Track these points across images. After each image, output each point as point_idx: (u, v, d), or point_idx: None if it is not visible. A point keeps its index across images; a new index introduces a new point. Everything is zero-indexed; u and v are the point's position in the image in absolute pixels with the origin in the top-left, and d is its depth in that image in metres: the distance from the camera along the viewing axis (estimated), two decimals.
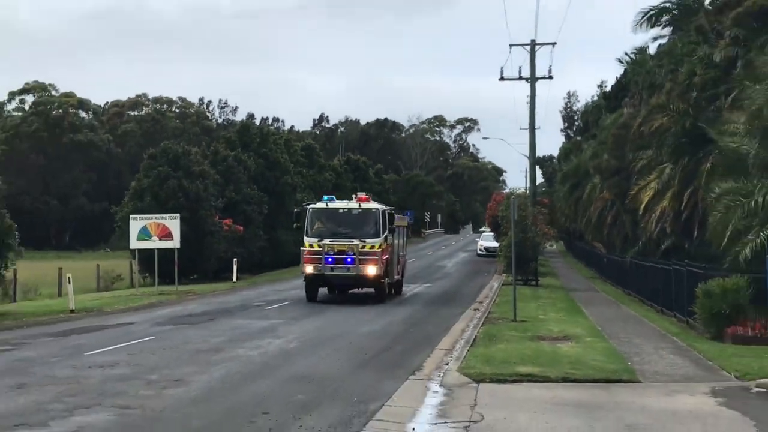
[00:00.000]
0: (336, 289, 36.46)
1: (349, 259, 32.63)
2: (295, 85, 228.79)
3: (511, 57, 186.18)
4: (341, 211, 34.33)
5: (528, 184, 64.23)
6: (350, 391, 14.88)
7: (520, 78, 54.42)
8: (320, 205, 34.64)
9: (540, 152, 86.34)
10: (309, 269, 33.07)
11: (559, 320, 26.10)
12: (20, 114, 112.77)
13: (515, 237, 30.18)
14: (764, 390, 14.43)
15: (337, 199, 37.33)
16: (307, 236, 33.40)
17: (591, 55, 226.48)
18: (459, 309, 31.11)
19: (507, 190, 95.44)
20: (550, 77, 54.40)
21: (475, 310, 30.67)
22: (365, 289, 34.89)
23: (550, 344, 20.27)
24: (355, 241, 32.73)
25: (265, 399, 14.08)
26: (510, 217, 31.70)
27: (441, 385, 15.31)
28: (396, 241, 36.54)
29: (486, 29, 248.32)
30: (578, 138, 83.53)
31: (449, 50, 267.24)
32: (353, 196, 36.42)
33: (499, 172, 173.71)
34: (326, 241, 32.84)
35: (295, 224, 35.02)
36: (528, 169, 63.79)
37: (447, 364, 17.81)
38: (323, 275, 33.22)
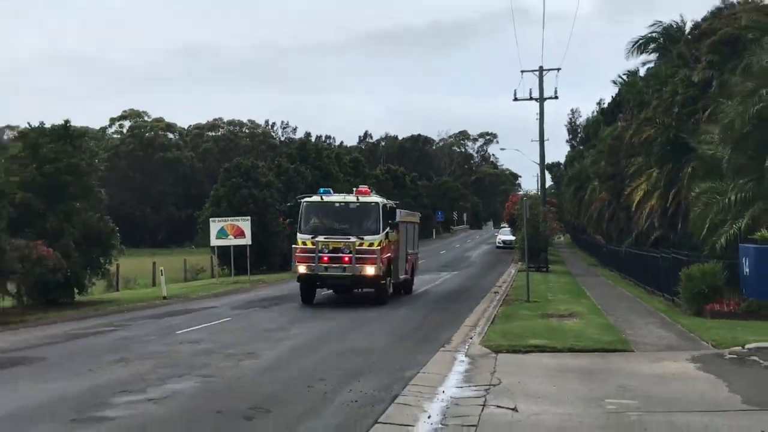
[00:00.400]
0: (334, 291, 29.04)
1: (344, 258, 25.25)
2: (344, 108, 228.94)
3: (523, 81, 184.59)
4: (337, 205, 26.64)
5: (539, 187, 64.16)
6: (390, 361, 14.94)
7: (531, 98, 54.59)
8: (315, 198, 26.84)
9: (549, 159, 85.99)
10: (302, 269, 25.58)
11: (565, 300, 25.93)
12: (119, 136, 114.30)
13: (527, 232, 30.13)
14: (736, 356, 14.35)
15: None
16: (300, 233, 26.06)
17: (591, 78, 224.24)
18: (481, 292, 30.80)
19: (521, 193, 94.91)
20: (556, 97, 54.75)
21: (495, 293, 30.38)
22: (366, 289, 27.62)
23: (557, 321, 20.23)
24: (352, 238, 25.28)
25: (321, 368, 14.15)
26: (523, 215, 31.64)
27: (466, 356, 15.29)
28: (404, 238, 29.28)
29: (501, 59, 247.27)
30: (581, 148, 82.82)
31: (472, 76, 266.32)
32: (354, 189, 28.09)
33: (515, 177, 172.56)
34: (320, 238, 25.39)
35: (288, 220, 27.33)
36: (539, 175, 63.72)
37: (471, 338, 17.76)
38: (317, 275, 25.70)
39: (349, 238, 25.34)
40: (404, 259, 29.35)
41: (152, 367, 14.49)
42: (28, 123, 30.54)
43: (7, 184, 25.19)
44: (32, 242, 25.86)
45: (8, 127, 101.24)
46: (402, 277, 29.07)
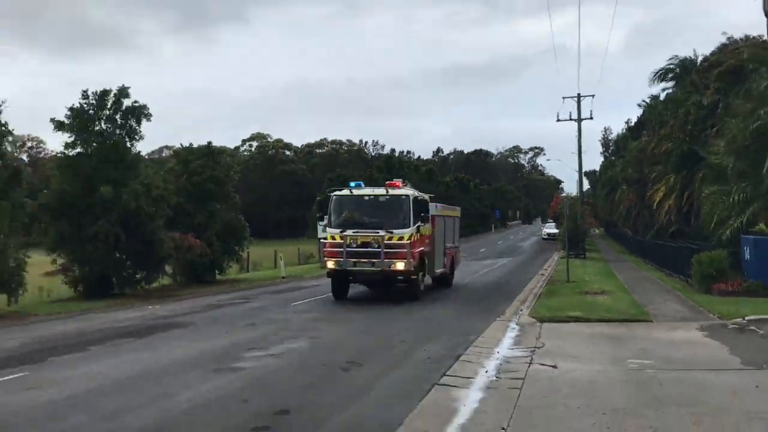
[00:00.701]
0: (367, 287, 22.65)
1: (373, 253, 19.48)
2: (421, 129, 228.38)
3: (564, 105, 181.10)
4: (367, 198, 20.33)
5: (578, 190, 62.90)
6: (455, 328, 14.88)
7: (571, 119, 53.38)
8: (344, 192, 20.80)
9: (586, 168, 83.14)
10: (330, 264, 20.08)
11: (598, 281, 25.31)
12: (248, 153, 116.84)
13: (568, 226, 29.84)
14: (737, 326, 13.90)
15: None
16: (329, 227, 20.12)
17: (620, 101, 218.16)
18: (530, 275, 30.39)
19: (563, 195, 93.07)
20: (591, 118, 53.23)
21: (541, 275, 29.97)
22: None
23: (591, 297, 19.84)
24: (381, 232, 19.43)
25: (402, 332, 14.20)
26: (565, 213, 31.28)
27: (517, 324, 15.17)
28: (441, 232, 23.33)
29: (546, 86, 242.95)
30: (612, 158, 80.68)
31: (523, 101, 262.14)
32: (386, 183, 21.80)
33: (558, 182, 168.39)
34: (349, 232, 19.65)
35: (318, 214, 22.37)
36: (578, 180, 62.51)
37: (521, 310, 17.59)
38: (346, 271, 19.89)
39: (378, 232, 19.56)
40: (442, 252, 23.68)
41: (273, 330, 14.77)
42: (180, 144, 31.76)
43: (165, 191, 26.19)
44: (184, 235, 26.86)
45: (165, 147, 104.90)
46: (439, 271, 23.39)
